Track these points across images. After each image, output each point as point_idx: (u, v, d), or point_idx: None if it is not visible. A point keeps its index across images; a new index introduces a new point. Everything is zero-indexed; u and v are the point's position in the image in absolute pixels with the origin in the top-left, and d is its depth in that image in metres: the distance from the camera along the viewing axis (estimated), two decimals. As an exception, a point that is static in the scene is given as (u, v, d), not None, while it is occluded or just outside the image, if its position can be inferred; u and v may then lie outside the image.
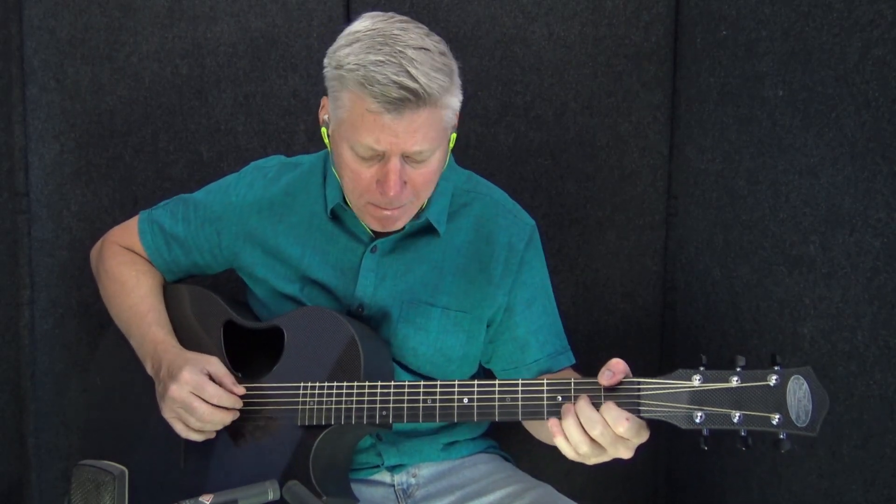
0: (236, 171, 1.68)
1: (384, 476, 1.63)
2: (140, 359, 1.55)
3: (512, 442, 1.79)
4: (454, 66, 1.40)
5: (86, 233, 2.04)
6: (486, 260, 1.55)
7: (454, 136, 1.48)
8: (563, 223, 2.05)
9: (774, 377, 1.21)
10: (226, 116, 2.05)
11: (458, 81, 1.41)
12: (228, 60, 2.04)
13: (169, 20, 2.02)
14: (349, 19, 2.00)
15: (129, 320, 1.59)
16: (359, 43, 1.34)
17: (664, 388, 1.26)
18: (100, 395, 1.69)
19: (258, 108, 2.05)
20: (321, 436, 1.42)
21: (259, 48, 2.03)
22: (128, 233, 1.68)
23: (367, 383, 1.40)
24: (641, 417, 1.26)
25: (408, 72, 1.30)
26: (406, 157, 1.37)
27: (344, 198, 1.52)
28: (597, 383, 1.29)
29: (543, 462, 1.76)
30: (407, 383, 1.40)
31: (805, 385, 1.21)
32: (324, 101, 1.46)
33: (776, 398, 1.21)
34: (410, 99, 1.30)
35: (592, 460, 1.29)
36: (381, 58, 1.31)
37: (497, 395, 1.34)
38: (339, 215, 1.56)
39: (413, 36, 1.34)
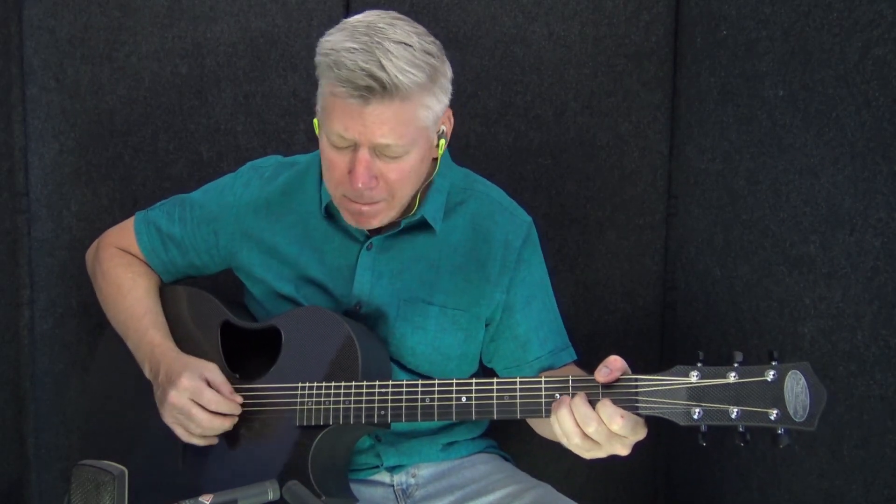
0: (226, 174, 1.68)
1: (384, 476, 1.63)
2: (138, 361, 1.55)
3: (512, 442, 1.79)
4: (442, 68, 1.40)
5: (85, 233, 2.04)
6: (484, 258, 1.55)
7: (443, 142, 1.47)
8: (563, 223, 2.05)
9: (772, 372, 1.21)
10: (226, 116, 2.05)
11: (444, 85, 1.41)
12: (228, 60, 2.04)
13: (169, 20, 2.02)
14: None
15: (125, 322, 1.59)
16: (342, 31, 1.36)
17: (662, 385, 1.26)
18: (99, 396, 1.69)
19: (258, 108, 2.05)
20: (320, 436, 1.42)
21: (259, 48, 2.03)
22: (124, 234, 1.68)
23: (364, 383, 1.40)
24: (639, 414, 1.26)
25: (379, 62, 1.30)
26: (376, 151, 1.37)
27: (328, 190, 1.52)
28: (594, 380, 1.29)
29: (543, 462, 1.76)
30: (405, 382, 1.40)
31: (802, 380, 1.21)
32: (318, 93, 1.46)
33: (774, 393, 1.21)
34: (376, 88, 1.31)
35: (588, 454, 1.29)
36: (355, 45, 1.32)
37: (495, 394, 1.34)
38: (334, 213, 1.56)
39: (399, 31, 1.34)
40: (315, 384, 1.43)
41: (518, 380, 1.34)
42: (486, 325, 1.58)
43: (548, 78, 2.02)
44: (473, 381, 1.36)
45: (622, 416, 1.24)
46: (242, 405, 1.46)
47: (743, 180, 1.76)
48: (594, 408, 1.25)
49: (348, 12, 2.02)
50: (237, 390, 1.46)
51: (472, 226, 1.56)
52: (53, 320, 2.08)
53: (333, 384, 1.42)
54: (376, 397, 1.39)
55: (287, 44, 2.03)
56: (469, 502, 1.57)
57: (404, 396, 1.39)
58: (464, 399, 1.36)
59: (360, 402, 1.40)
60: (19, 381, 2.06)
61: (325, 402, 1.42)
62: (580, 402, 1.26)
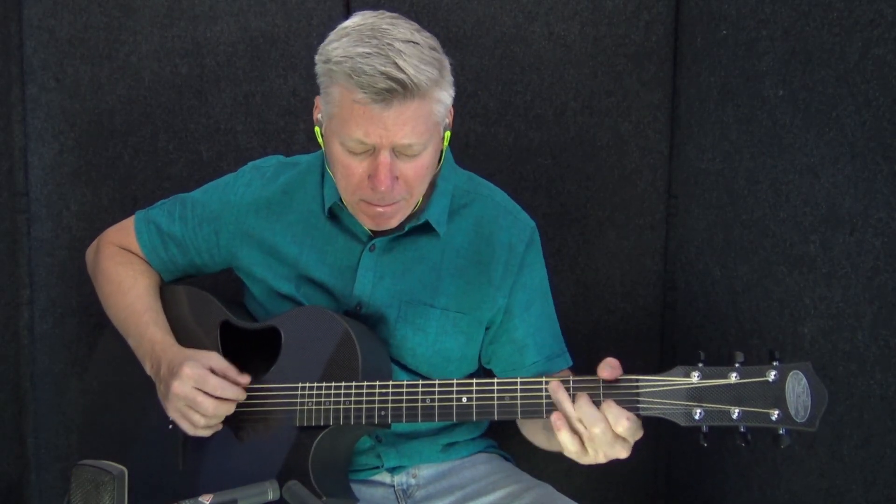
0: (227, 174, 1.68)
1: (384, 477, 1.63)
2: (139, 359, 1.55)
3: (512, 442, 1.78)
4: (445, 61, 1.40)
5: (85, 232, 2.04)
6: (486, 261, 1.54)
7: (448, 133, 1.47)
8: (563, 223, 2.05)
9: (773, 373, 1.21)
10: (225, 116, 2.05)
11: (449, 77, 1.41)
12: (228, 60, 2.04)
13: (168, 20, 2.02)
14: (349, 18, 2.01)
15: (126, 320, 1.59)
16: (347, 37, 1.35)
17: (663, 385, 1.26)
18: (99, 395, 1.68)
19: (258, 108, 2.05)
20: (320, 436, 1.41)
21: (259, 48, 2.03)
22: (124, 233, 1.68)
23: (365, 383, 1.40)
24: (640, 415, 1.26)
25: (395, 63, 1.30)
26: (396, 151, 1.37)
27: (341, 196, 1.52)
28: (596, 380, 1.28)
29: (543, 462, 1.76)
30: (405, 383, 1.40)
31: (804, 380, 1.21)
32: (316, 100, 1.46)
33: (775, 394, 1.21)
34: (398, 90, 1.30)
35: (585, 459, 1.29)
36: (368, 50, 1.31)
37: (496, 394, 1.34)
38: (337, 214, 1.56)
39: (402, 30, 1.34)
40: (315, 384, 1.43)
41: (519, 380, 1.34)
42: (486, 329, 1.58)
43: (548, 78, 2.02)
44: (474, 381, 1.36)
45: (628, 419, 1.24)
46: (242, 405, 1.46)
47: (743, 180, 1.76)
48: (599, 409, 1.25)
49: (348, 12, 2.02)
50: None
51: (476, 229, 1.56)
52: (53, 320, 2.08)
53: (333, 384, 1.41)
54: (376, 398, 1.39)
55: (287, 43, 2.03)
56: (469, 502, 1.57)
57: (405, 397, 1.38)
58: (464, 400, 1.36)
59: (360, 402, 1.40)
60: (19, 380, 2.06)
61: (325, 402, 1.41)
62: (585, 402, 1.26)
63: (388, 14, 1.39)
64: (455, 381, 1.37)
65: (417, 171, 1.40)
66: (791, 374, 1.21)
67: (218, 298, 1.61)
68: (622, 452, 1.27)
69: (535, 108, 2.03)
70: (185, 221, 1.63)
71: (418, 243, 1.55)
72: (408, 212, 1.48)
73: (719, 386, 1.23)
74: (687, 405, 1.24)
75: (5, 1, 1.98)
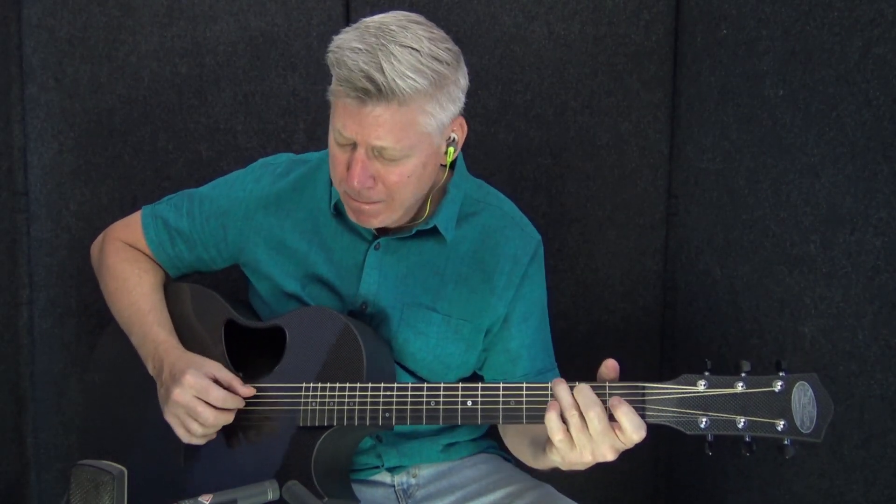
0: (236, 170, 1.67)
1: (384, 477, 1.63)
2: (141, 358, 1.55)
3: (512, 442, 1.78)
4: (454, 76, 1.39)
5: (85, 232, 2.03)
6: (490, 270, 1.54)
7: (451, 150, 1.46)
8: (563, 223, 2.05)
9: (780, 383, 1.21)
10: (225, 116, 2.05)
11: (452, 93, 1.40)
12: (228, 59, 2.04)
13: (168, 19, 2.02)
14: (349, 18, 2.01)
15: (129, 318, 1.59)
16: (355, 30, 1.36)
17: (669, 393, 1.25)
18: (99, 395, 1.68)
19: (258, 108, 2.05)
20: (323, 437, 1.41)
21: (258, 47, 2.03)
22: (130, 228, 1.68)
23: (369, 385, 1.40)
24: (646, 422, 1.25)
25: (380, 65, 1.30)
26: (374, 152, 1.37)
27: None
28: (603, 386, 1.28)
29: (543, 462, 1.76)
30: (410, 385, 1.39)
31: (810, 391, 1.21)
32: None
33: (781, 404, 1.21)
34: (372, 91, 1.31)
35: (572, 454, 1.27)
36: (361, 46, 1.32)
37: (501, 398, 1.34)
38: (342, 211, 1.55)
39: (409, 35, 1.34)
40: (319, 385, 1.42)
41: (525, 385, 1.33)
42: (484, 336, 1.58)
43: (548, 77, 2.02)
44: (479, 385, 1.36)
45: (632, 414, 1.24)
46: (245, 405, 1.45)
47: (743, 180, 1.76)
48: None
49: (348, 12, 2.02)
50: None
51: (482, 237, 1.56)
52: (53, 320, 2.08)
53: (338, 385, 1.41)
54: (381, 399, 1.39)
55: (287, 43, 2.03)
56: (469, 502, 1.57)
57: (409, 399, 1.38)
58: (469, 403, 1.35)
59: (364, 403, 1.39)
60: (18, 380, 2.05)
61: (328, 402, 1.41)
62: (585, 388, 1.26)
63: (411, 17, 1.38)
64: (460, 385, 1.36)
65: (398, 177, 1.39)
66: (797, 384, 1.21)
67: (223, 297, 1.60)
68: (610, 453, 1.26)
69: (536, 107, 2.03)
70: (192, 217, 1.63)
71: (423, 247, 1.55)
72: (392, 216, 1.46)
73: (725, 395, 1.23)
74: (693, 413, 1.24)
75: (5, 0, 1.98)
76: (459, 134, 1.47)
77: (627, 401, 1.25)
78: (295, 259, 1.57)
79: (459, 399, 1.36)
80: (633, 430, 1.24)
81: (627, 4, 1.99)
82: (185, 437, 1.45)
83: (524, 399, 1.32)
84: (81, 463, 1.19)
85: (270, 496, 1.18)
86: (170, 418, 1.45)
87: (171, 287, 1.65)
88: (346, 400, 1.40)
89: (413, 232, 1.52)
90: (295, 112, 2.04)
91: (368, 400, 1.39)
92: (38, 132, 2.04)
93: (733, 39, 1.79)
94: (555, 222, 2.04)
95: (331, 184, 1.55)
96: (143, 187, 2.05)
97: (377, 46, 1.31)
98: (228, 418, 1.44)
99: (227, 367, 1.48)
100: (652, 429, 1.27)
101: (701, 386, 1.24)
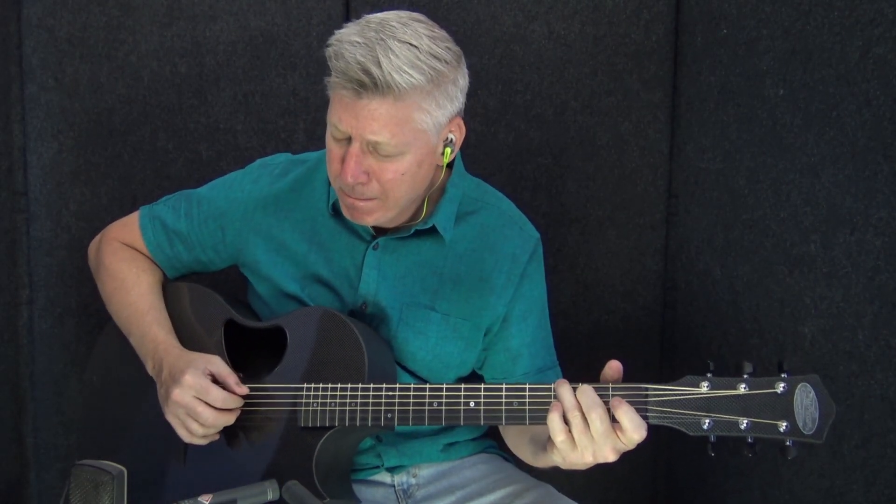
0: (235, 170, 1.67)
1: (384, 477, 1.62)
2: (140, 358, 1.55)
3: (512, 442, 1.78)
4: (452, 75, 1.39)
5: (84, 232, 2.03)
6: (489, 269, 1.54)
7: (449, 150, 1.46)
8: (563, 222, 2.05)
9: (782, 385, 1.21)
10: (225, 115, 2.05)
11: (449, 91, 1.39)
12: (228, 59, 2.03)
13: (168, 19, 2.02)
14: (348, 18, 2.01)
15: (128, 318, 1.59)
16: (356, 25, 1.36)
17: (672, 395, 1.26)
18: (98, 395, 1.68)
19: (257, 107, 2.05)
20: (324, 437, 1.41)
21: (258, 47, 2.03)
22: (128, 228, 1.67)
23: (371, 385, 1.40)
24: (648, 424, 1.25)
25: (377, 59, 1.30)
26: (369, 147, 1.37)
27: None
28: (606, 387, 1.28)
29: (543, 462, 1.76)
30: (412, 386, 1.39)
31: (812, 393, 1.21)
32: None
33: (784, 406, 1.21)
34: (367, 84, 1.31)
35: (573, 454, 1.27)
36: (359, 39, 1.32)
37: (504, 399, 1.33)
38: (341, 211, 1.55)
39: (409, 32, 1.34)
40: (321, 385, 1.42)
41: (528, 385, 1.33)
42: (484, 336, 1.57)
43: (548, 77, 2.02)
44: (482, 385, 1.35)
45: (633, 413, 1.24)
46: (245, 405, 1.45)
47: (743, 180, 1.76)
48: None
49: (348, 12, 2.02)
50: None
51: (481, 237, 1.56)
52: (52, 320, 2.08)
53: (339, 385, 1.41)
54: (383, 400, 1.39)
55: (286, 43, 2.03)
56: (469, 502, 1.57)
57: (412, 400, 1.38)
58: (472, 404, 1.35)
59: (366, 404, 1.39)
60: (18, 380, 2.05)
61: (330, 403, 1.41)
62: (588, 389, 1.26)
63: (414, 15, 1.39)
64: (463, 385, 1.36)
65: (393, 174, 1.39)
66: (800, 386, 1.21)
67: (222, 296, 1.60)
68: (611, 454, 1.26)
69: (536, 107, 2.03)
70: (190, 218, 1.63)
71: (422, 247, 1.54)
72: (387, 214, 1.46)
73: (728, 396, 1.23)
74: (696, 415, 1.24)
75: (5, 0, 1.98)
76: (457, 135, 1.46)
77: (630, 402, 1.25)
78: (294, 260, 1.56)
79: (462, 400, 1.35)
80: (633, 429, 1.24)
81: (627, 4, 1.99)
82: (186, 437, 1.45)
83: (527, 400, 1.32)
84: (81, 463, 1.18)
85: (270, 496, 1.18)
86: (170, 418, 1.45)
87: (170, 287, 1.65)
88: (348, 400, 1.40)
89: (411, 231, 1.51)
90: (295, 112, 2.04)
91: (370, 400, 1.39)
92: (38, 132, 2.04)
93: (733, 39, 1.79)
94: (555, 222, 2.03)
95: (329, 184, 1.55)
96: (143, 187, 2.05)
97: (376, 41, 1.31)
98: (229, 419, 1.43)
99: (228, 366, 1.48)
100: (653, 430, 1.27)
101: (704, 387, 1.24)
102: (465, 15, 2.00)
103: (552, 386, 1.30)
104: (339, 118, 1.36)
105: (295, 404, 1.43)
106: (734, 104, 1.79)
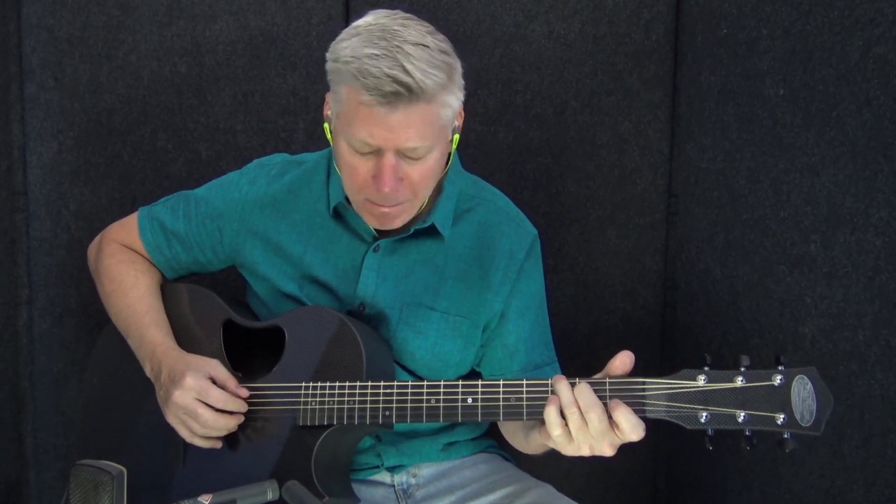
0: (235, 170, 1.67)
1: (384, 476, 1.62)
2: (139, 360, 1.55)
3: (512, 442, 1.78)
4: (456, 65, 1.39)
5: (84, 232, 2.03)
6: (487, 266, 1.54)
7: (457, 137, 1.47)
8: (563, 222, 2.05)
9: (779, 377, 1.21)
10: (225, 115, 2.05)
11: (459, 81, 1.40)
12: (227, 59, 2.03)
13: (168, 18, 2.02)
14: (348, 18, 2.01)
15: (126, 320, 1.59)
16: (358, 37, 1.34)
17: (669, 388, 1.26)
18: (98, 395, 1.68)
19: (257, 107, 2.04)
20: (323, 436, 1.41)
21: (258, 47, 2.03)
22: (126, 229, 1.68)
23: (369, 383, 1.40)
24: (646, 418, 1.26)
25: (403, 66, 1.29)
26: (401, 154, 1.37)
27: (347, 196, 1.51)
28: (603, 383, 1.28)
29: (543, 462, 1.76)
30: (410, 383, 1.39)
31: (809, 385, 1.21)
32: (326, 96, 1.45)
33: (781, 398, 1.21)
34: (403, 93, 1.30)
35: (570, 447, 1.28)
36: (376, 51, 1.30)
37: (501, 395, 1.34)
38: (342, 213, 1.55)
39: (413, 32, 1.34)
40: (319, 384, 1.42)
41: (525, 381, 1.33)
42: (482, 332, 1.57)
43: (548, 77, 2.02)
44: (479, 382, 1.36)
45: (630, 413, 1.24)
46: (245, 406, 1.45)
47: (744, 179, 1.76)
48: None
49: (348, 11, 2.02)
50: None
51: (479, 234, 1.56)
52: (52, 320, 2.08)
53: (338, 384, 1.41)
54: (381, 398, 1.39)
55: (286, 42, 2.03)
56: (469, 502, 1.57)
57: (409, 397, 1.38)
58: (469, 400, 1.35)
59: (364, 402, 1.39)
60: (18, 380, 2.05)
61: (328, 402, 1.41)
62: (586, 388, 1.26)
63: (401, 14, 1.38)
64: (460, 382, 1.36)
65: (423, 173, 1.40)
66: (797, 378, 1.21)
67: (220, 297, 1.60)
68: (608, 450, 1.27)
69: (535, 107, 2.03)
70: (188, 219, 1.63)
71: (422, 246, 1.55)
72: (412, 212, 1.47)
73: (725, 389, 1.23)
74: (693, 408, 1.24)
75: (4, 0, 1.98)
76: (460, 120, 1.47)
77: (627, 396, 1.26)
78: (291, 261, 1.57)
79: (460, 396, 1.36)
80: (630, 431, 1.25)
81: (627, 4, 1.99)
82: (187, 437, 1.45)
83: (524, 396, 1.32)
84: (81, 463, 1.19)
85: (270, 496, 1.18)
86: (171, 419, 1.45)
87: (169, 288, 1.65)
88: (346, 399, 1.40)
89: (411, 231, 1.51)
90: (295, 112, 2.04)
91: (368, 398, 1.39)
92: (38, 131, 2.04)
93: (733, 39, 1.79)
94: (555, 222, 2.03)
95: (328, 185, 1.55)
96: (143, 187, 2.05)
97: (392, 49, 1.30)
98: (230, 421, 1.43)
99: (225, 367, 1.48)
100: (652, 428, 1.28)
101: (700, 381, 1.25)
102: (465, 15, 2.00)
103: (549, 381, 1.30)
104: (370, 133, 1.34)
105: (293, 403, 1.43)
106: (734, 104, 1.79)
